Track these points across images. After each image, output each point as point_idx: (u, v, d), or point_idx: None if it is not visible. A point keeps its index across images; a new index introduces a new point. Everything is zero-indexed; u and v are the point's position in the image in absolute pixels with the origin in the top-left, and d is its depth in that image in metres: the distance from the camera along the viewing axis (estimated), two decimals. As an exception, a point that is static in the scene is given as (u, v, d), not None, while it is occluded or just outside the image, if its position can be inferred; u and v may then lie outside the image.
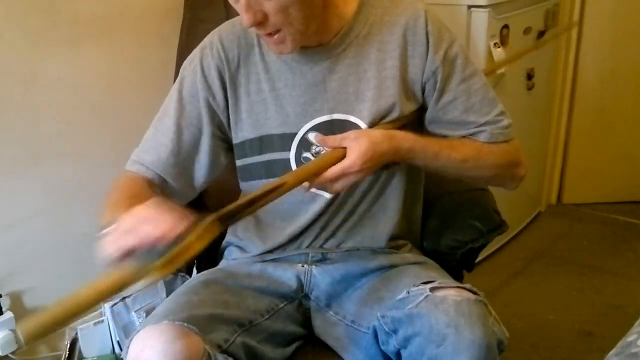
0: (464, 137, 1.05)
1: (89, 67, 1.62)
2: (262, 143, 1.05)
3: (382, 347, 0.91)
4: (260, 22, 0.91)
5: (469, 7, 1.92)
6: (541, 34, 2.20)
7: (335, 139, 0.96)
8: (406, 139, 0.99)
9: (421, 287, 0.89)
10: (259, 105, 1.05)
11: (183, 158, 1.06)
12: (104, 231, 0.79)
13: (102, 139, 1.68)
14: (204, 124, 1.06)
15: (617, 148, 2.58)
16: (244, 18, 0.90)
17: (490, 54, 1.94)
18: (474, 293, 0.89)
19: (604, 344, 1.74)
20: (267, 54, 1.05)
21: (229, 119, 1.07)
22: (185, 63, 1.08)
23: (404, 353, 0.87)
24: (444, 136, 1.06)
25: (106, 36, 1.64)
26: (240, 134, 1.07)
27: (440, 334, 0.81)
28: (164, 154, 1.05)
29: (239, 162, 1.10)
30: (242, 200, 0.86)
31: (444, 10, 1.95)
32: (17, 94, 1.51)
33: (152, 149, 1.06)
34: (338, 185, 0.94)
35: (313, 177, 0.93)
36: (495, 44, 1.95)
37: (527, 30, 2.13)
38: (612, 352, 0.74)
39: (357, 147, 0.92)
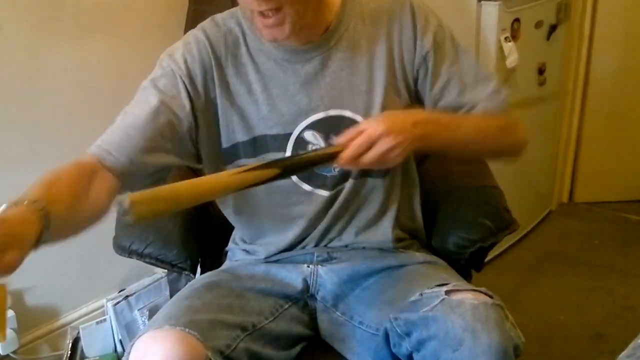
0: None
1: (93, 60, 1.61)
2: (256, 145, 1.03)
3: (394, 350, 0.89)
4: None
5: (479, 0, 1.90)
6: (553, 28, 2.17)
7: (351, 130, 0.90)
8: (420, 110, 1.00)
9: (435, 289, 0.87)
10: (252, 106, 1.02)
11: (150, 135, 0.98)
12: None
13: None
14: (183, 116, 0.99)
15: (629, 145, 2.55)
16: None
17: (500, 48, 1.92)
18: (490, 296, 0.87)
19: (615, 345, 1.72)
20: (256, 54, 1.02)
21: (212, 121, 1.02)
22: (164, 57, 1.02)
23: (416, 356, 0.85)
24: None
25: (110, 29, 1.63)
26: (231, 136, 1.03)
27: (456, 338, 0.80)
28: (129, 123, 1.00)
29: (230, 167, 1.05)
30: (303, 157, 0.91)
31: (454, 3, 1.93)
32: (20, 88, 1.50)
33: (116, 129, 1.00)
34: (370, 155, 0.88)
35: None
36: (506, 38, 1.92)
37: (538, 24, 2.11)
38: (623, 353, 0.73)
39: (372, 119, 0.93)
